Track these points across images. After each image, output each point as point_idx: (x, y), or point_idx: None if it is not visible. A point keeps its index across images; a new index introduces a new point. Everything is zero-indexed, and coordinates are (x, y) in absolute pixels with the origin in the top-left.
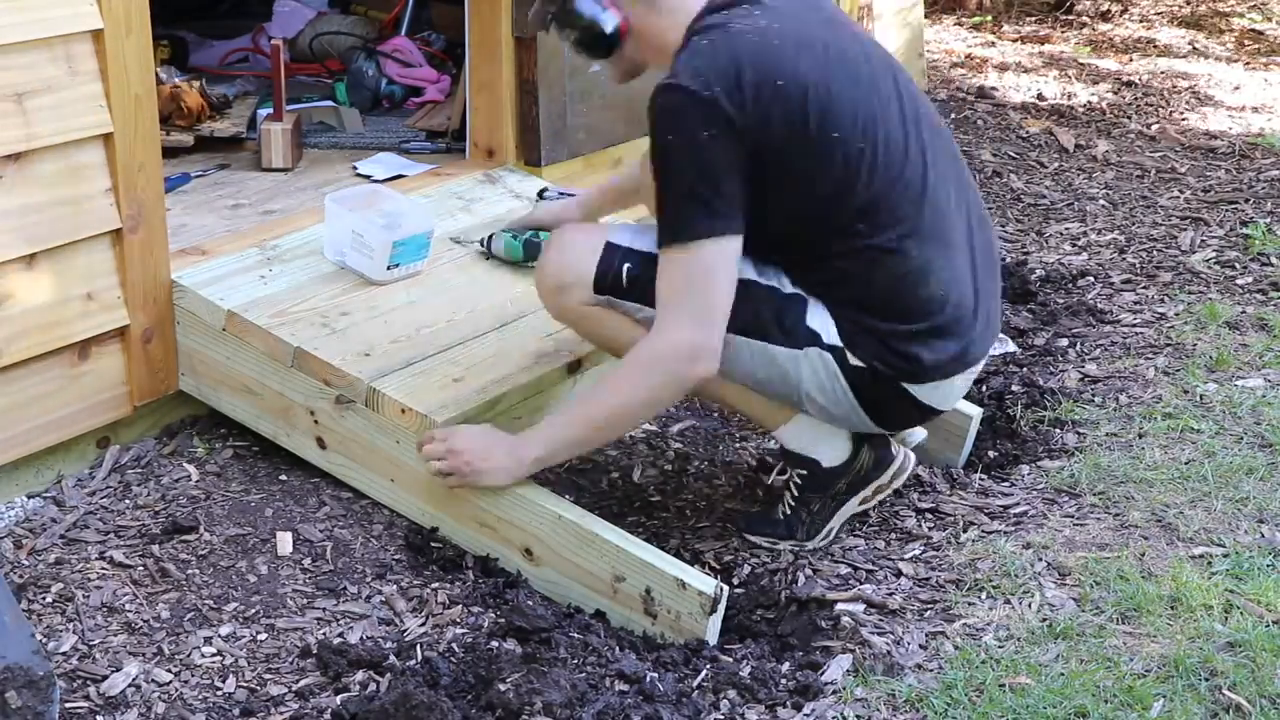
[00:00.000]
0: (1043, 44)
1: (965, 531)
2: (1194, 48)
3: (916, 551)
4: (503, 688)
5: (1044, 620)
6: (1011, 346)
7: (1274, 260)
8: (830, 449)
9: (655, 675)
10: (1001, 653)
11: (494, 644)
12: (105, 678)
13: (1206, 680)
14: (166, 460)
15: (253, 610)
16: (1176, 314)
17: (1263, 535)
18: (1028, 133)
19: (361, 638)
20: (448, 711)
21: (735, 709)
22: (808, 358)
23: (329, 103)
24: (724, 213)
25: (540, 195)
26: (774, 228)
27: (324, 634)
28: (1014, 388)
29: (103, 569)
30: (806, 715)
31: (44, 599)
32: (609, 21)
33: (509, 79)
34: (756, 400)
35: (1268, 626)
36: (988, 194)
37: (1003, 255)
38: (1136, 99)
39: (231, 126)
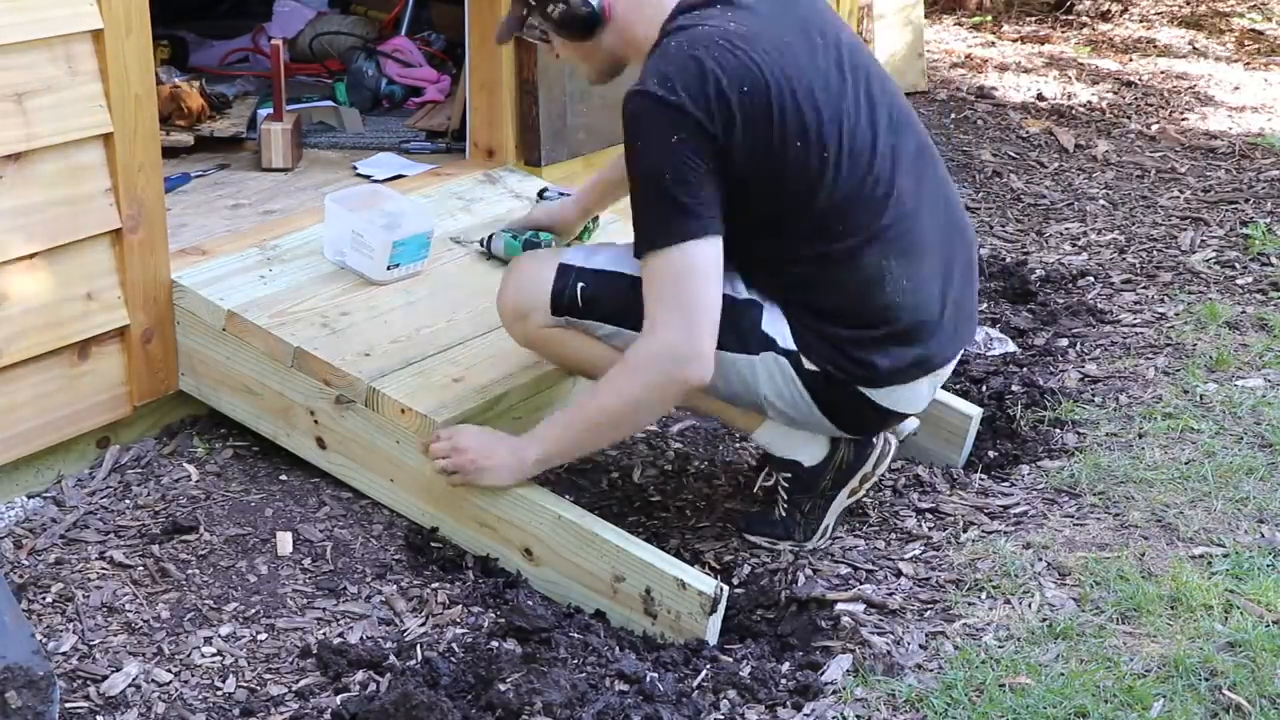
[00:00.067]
0: (1043, 44)
1: (965, 531)
2: (1194, 48)
3: (916, 551)
4: (503, 688)
5: (1044, 620)
6: (1011, 346)
7: (1274, 260)
8: (809, 448)
9: (655, 675)
10: (1001, 653)
11: (494, 644)
12: (105, 678)
13: (1206, 680)
14: (166, 460)
15: (253, 610)
16: (1176, 314)
17: (1263, 535)
18: (1028, 133)
19: (361, 638)
20: (448, 711)
21: (735, 709)
22: (764, 362)
23: (329, 103)
24: (700, 214)
25: (540, 195)
26: (734, 231)
27: (324, 634)
28: (1014, 388)
29: (103, 569)
30: (806, 715)
31: (44, 599)
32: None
33: (509, 79)
34: (729, 406)
35: (1268, 626)
36: (988, 194)
37: (1003, 255)
38: (1136, 99)
39: (231, 126)
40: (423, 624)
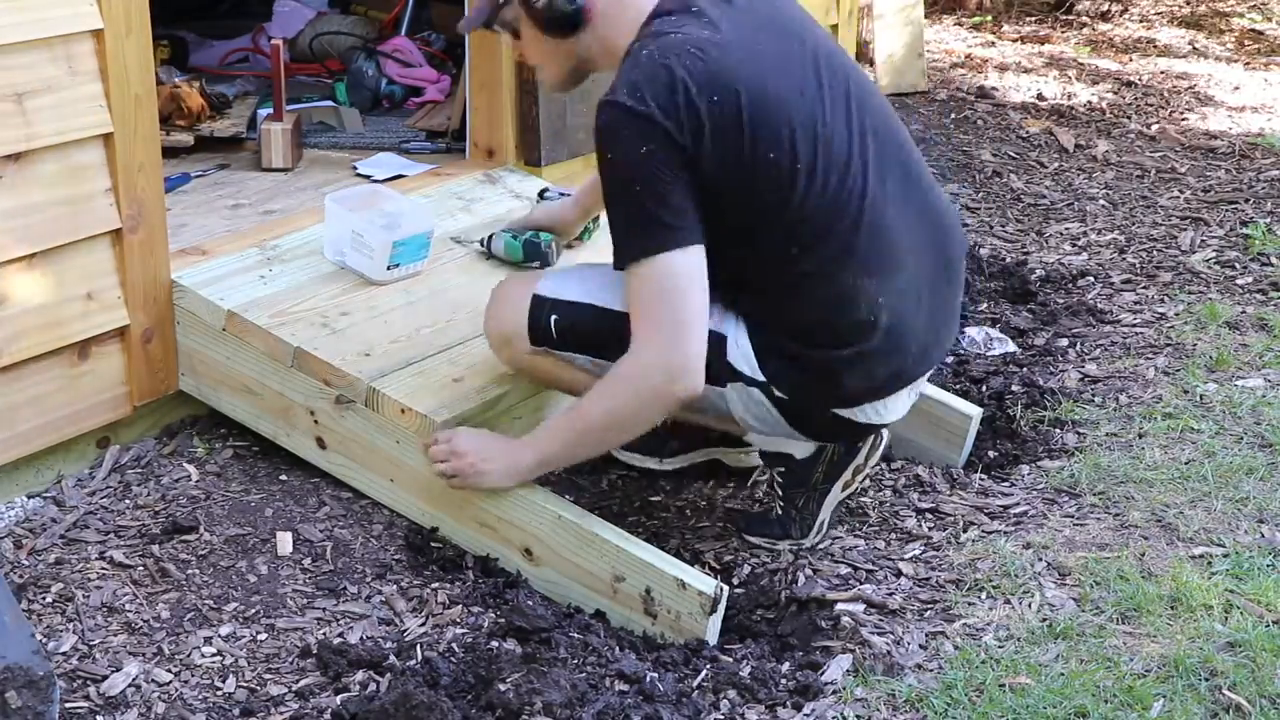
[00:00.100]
0: (1043, 44)
1: (965, 531)
2: (1194, 48)
3: (916, 551)
4: (503, 688)
5: (1044, 620)
6: (1011, 346)
7: (1274, 260)
8: (800, 443)
9: (655, 675)
10: (1001, 653)
11: (494, 644)
12: (105, 678)
13: (1206, 680)
14: (166, 460)
15: (253, 610)
16: (1176, 314)
17: (1263, 535)
18: (1028, 133)
19: (361, 638)
20: (448, 711)
21: (735, 709)
22: (735, 391)
23: (329, 103)
24: (675, 225)
25: (541, 196)
26: (707, 243)
27: (324, 634)
28: (1014, 388)
29: (103, 569)
30: (806, 715)
31: (44, 599)
32: None
33: (509, 79)
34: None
35: (1268, 626)
36: (988, 194)
37: (1003, 255)
38: (1136, 99)
39: (231, 126)
40: (423, 624)
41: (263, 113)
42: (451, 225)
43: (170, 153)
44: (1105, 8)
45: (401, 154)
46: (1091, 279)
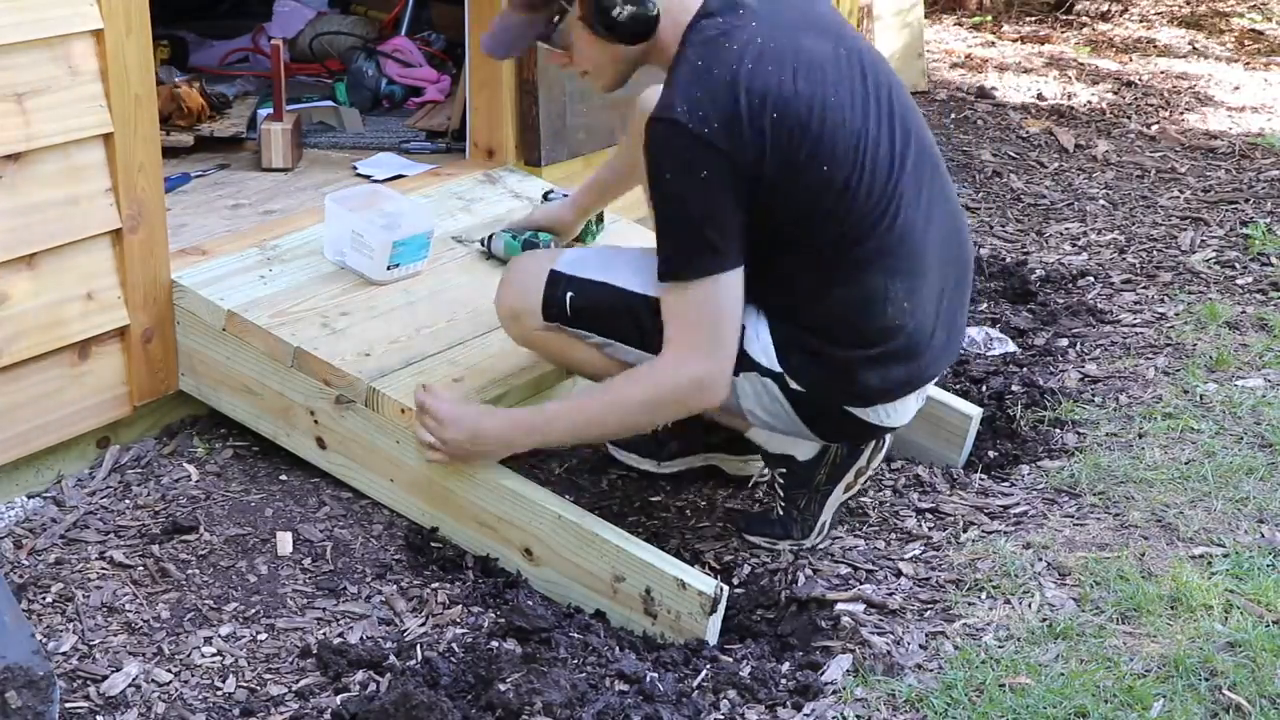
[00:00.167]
0: (1043, 44)
1: (965, 531)
2: (1194, 48)
3: (916, 551)
4: (503, 688)
5: (1044, 620)
6: (1011, 346)
7: (1274, 260)
8: (803, 443)
9: (655, 675)
10: (1001, 653)
11: (494, 644)
12: (105, 678)
13: (1206, 680)
14: (166, 460)
15: (253, 610)
16: (1176, 314)
17: (1263, 535)
18: (1028, 133)
19: (361, 638)
20: (448, 711)
21: (735, 709)
22: (747, 381)
23: (329, 103)
24: (726, 249)
25: (545, 197)
26: (749, 248)
27: (324, 634)
28: (1014, 388)
29: (103, 569)
30: (806, 715)
31: (44, 599)
32: (652, 4)
33: (509, 79)
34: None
35: (1268, 626)
36: (988, 194)
37: (1003, 255)
38: (1136, 99)
39: (231, 126)
40: (423, 624)
41: (263, 113)
42: (451, 225)
43: (170, 153)
44: (1105, 8)
45: (401, 154)
46: (1091, 279)
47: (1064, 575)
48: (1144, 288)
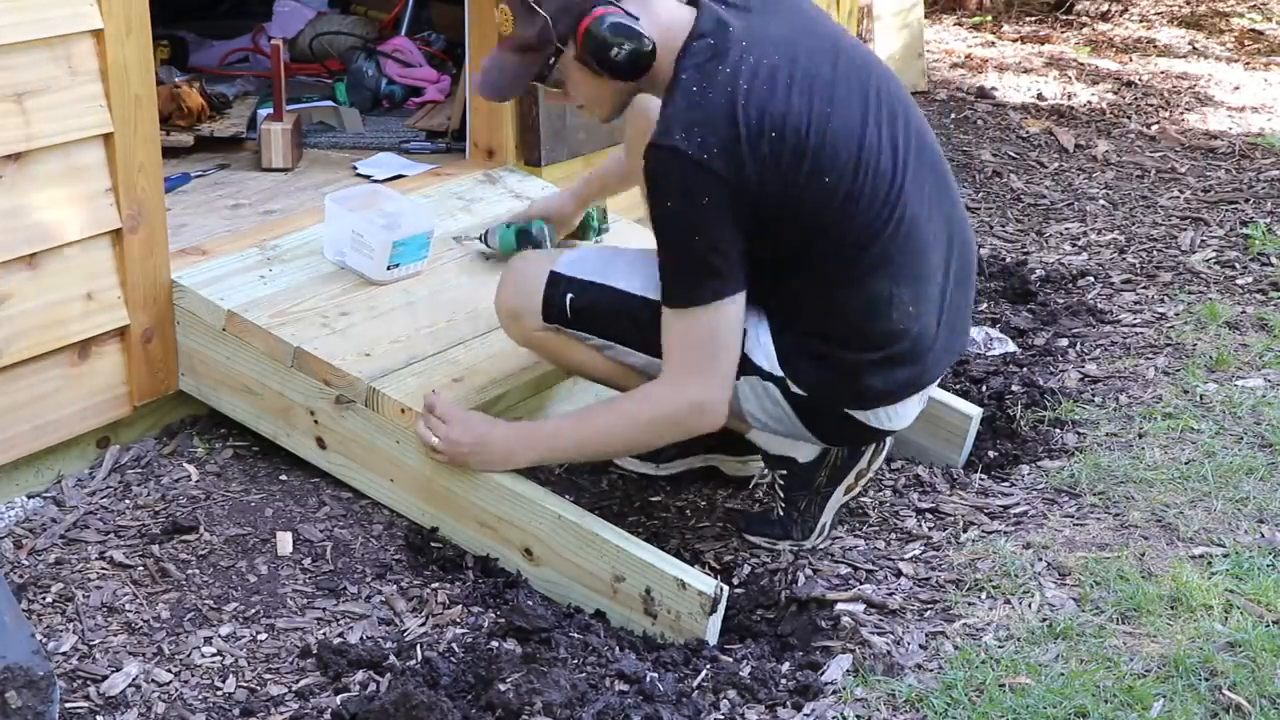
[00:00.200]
0: (1043, 44)
1: (965, 531)
2: (1194, 48)
3: (916, 551)
4: (503, 688)
5: (1044, 620)
6: (1011, 346)
7: (1274, 260)
8: (804, 445)
9: (655, 675)
10: (1001, 653)
11: (494, 644)
12: (105, 678)
13: (1206, 680)
14: (166, 460)
15: (253, 610)
16: (1176, 314)
17: (1263, 535)
18: (1028, 133)
19: (361, 638)
20: (448, 711)
21: (735, 709)
22: (748, 384)
23: (329, 103)
24: (728, 273)
25: None
26: (750, 261)
27: (324, 634)
28: (1014, 388)
29: (103, 569)
30: (806, 715)
31: (44, 599)
32: (647, 40)
33: None
34: None
35: (1268, 626)
36: (988, 194)
37: (1003, 255)
38: (1136, 99)
39: (231, 126)
40: (423, 624)
41: (263, 113)
42: (451, 225)
43: (170, 153)
44: (1105, 8)
45: (401, 154)
46: (1091, 279)
47: (1064, 575)
48: (1144, 288)
